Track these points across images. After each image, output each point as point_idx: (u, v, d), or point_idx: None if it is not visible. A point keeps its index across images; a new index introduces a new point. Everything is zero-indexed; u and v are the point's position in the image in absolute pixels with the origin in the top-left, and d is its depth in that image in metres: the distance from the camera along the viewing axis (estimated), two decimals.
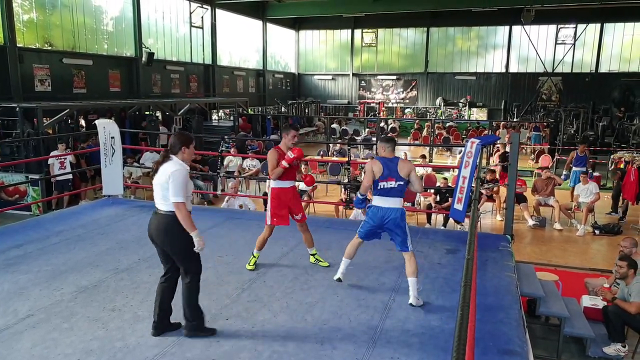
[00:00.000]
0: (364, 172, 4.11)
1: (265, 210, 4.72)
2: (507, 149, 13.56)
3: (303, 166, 4.61)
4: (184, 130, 3.57)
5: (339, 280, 4.15)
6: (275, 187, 4.51)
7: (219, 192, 9.74)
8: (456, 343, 1.21)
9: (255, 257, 4.64)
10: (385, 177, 3.90)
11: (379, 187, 3.92)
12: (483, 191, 9.73)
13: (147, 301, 3.86)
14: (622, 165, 11.05)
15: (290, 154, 4.32)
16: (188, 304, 3.38)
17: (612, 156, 12.69)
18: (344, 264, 4.18)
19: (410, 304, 3.83)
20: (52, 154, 10.04)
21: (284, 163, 4.32)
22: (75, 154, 10.50)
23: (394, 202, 3.93)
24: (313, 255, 4.71)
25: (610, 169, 12.43)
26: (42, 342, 3.25)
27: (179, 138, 3.41)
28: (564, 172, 13.01)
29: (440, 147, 19.38)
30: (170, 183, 3.21)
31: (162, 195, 3.28)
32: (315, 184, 10.56)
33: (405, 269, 3.96)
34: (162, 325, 3.41)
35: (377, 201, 3.96)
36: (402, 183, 3.93)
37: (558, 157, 14.85)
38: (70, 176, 10.16)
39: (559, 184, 9.95)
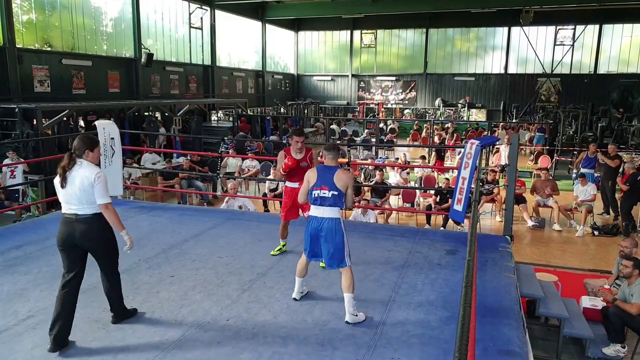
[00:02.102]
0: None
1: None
2: (503, 148, 13.64)
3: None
4: (89, 135, 3.84)
5: (295, 299, 3.94)
6: (286, 185, 4.82)
7: (218, 193, 9.75)
8: (458, 343, 1.22)
9: (281, 244, 4.94)
10: (319, 185, 3.73)
11: (312, 195, 3.76)
12: (483, 192, 9.75)
13: (147, 302, 3.87)
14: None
15: (287, 161, 4.54)
16: (118, 297, 3.51)
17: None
18: (297, 283, 3.98)
19: (346, 322, 3.57)
20: (4, 162, 9.35)
21: (282, 169, 4.60)
22: (27, 163, 9.79)
23: (329, 212, 3.72)
24: None
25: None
26: (43, 343, 3.24)
27: (84, 141, 3.35)
28: (574, 171, 12.98)
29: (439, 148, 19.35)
30: (96, 186, 3.22)
31: (85, 199, 3.23)
32: None
33: (341, 282, 3.70)
34: (63, 340, 3.23)
35: (312, 211, 3.80)
36: (336, 193, 3.71)
37: (557, 158, 14.88)
38: (20, 187, 9.31)
39: (557, 194, 10.01)
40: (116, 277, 3.51)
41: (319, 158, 3.84)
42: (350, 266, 3.70)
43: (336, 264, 3.70)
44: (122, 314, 3.55)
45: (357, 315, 3.61)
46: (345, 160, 10.81)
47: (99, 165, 3.44)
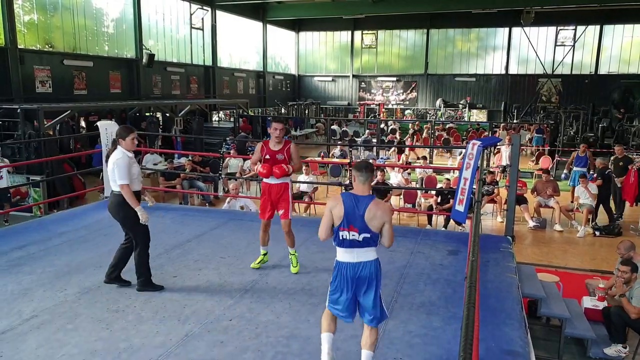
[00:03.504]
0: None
1: None
2: (504, 149, 13.65)
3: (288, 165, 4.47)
4: (126, 124, 4.74)
5: None
6: (263, 182, 4.56)
7: (220, 194, 9.76)
8: (463, 343, 1.23)
9: (262, 254, 4.68)
10: (346, 225, 2.86)
11: (339, 237, 2.90)
12: (484, 192, 9.76)
13: (151, 302, 3.88)
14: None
15: (258, 166, 4.41)
16: (139, 264, 4.07)
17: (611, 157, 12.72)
18: (324, 341, 2.98)
19: None
20: None
21: (256, 168, 4.50)
22: (14, 166, 9.84)
23: (365, 255, 2.89)
24: (291, 254, 4.60)
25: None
26: (47, 343, 3.26)
27: (119, 130, 4.09)
28: (565, 172, 13.07)
29: (440, 149, 19.39)
30: (115, 170, 3.92)
31: (112, 179, 3.99)
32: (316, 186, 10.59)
33: (365, 334, 2.96)
34: (112, 277, 4.16)
35: (341, 255, 2.93)
36: (368, 236, 2.85)
37: (558, 159, 14.88)
38: (5, 185, 9.12)
39: (558, 195, 10.07)
40: (141, 253, 4.05)
41: (353, 181, 2.96)
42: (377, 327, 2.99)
43: (377, 320, 2.93)
44: (145, 284, 4.07)
45: None
46: (347, 160, 10.82)
47: (134, 151, 4.07)
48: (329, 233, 2.94)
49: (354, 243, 2.87)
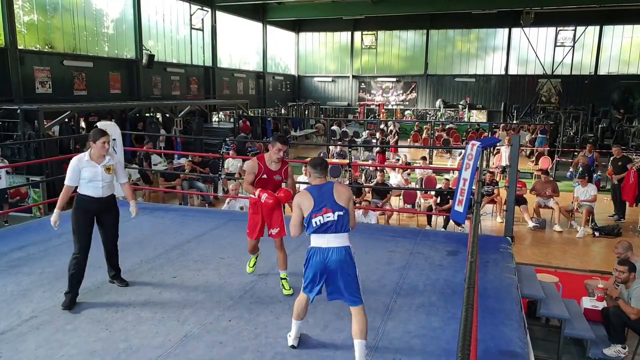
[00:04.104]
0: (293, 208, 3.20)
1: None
2: (504, 149, 13.65)
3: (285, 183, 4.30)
4: (100, 128, 4.43)
5: (293, 347, 3.28)
6: (252, 198, 4.19)
7: (219, 194, 9.76)
8: (460, 344, 1.23)
9: (253, 258, 4.56)
10: (320, 210, 3.06)
11: (313, 224, 3.07)
12: (484, 193, 9.77)
13: (150, 303, 3.89)
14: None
15: (264, 197, 3.96)
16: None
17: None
18: (295, 327, 3.30)
19: None
20: None
21: (255, 195, 4.03)
22: (13, 166, 9.91)
23: (336, 239, 3.07)
24: (282, 279, 4.20)
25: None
26: (46, 344, 3.26)
27: (92, 133, 4.03)
28: (570, 170, 13.09)
29: (440, 149, 19.39)
30: None
31: None
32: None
33: (353, 321, 3.07)
34: (111, 275, 4.21)
35: (314, 240, 3.12)
36: (341, 213, 3.07)
37: (558, 159, 14.89)
38: (3, 185, 9.16)
39: (558, 195, 10.10)
40: (71, 257, 3.88)
41: (305, 176, 3.09)
42: (363, 305, 3.10)
43: (351, 301, 3.08)
44: (66, 294, 3.84)
45: None
46: (346, 161, 10.83)
47: (104, 157, 3.98)
48: (301, 229, 3.19)
49: (328, 225, 3.06)
